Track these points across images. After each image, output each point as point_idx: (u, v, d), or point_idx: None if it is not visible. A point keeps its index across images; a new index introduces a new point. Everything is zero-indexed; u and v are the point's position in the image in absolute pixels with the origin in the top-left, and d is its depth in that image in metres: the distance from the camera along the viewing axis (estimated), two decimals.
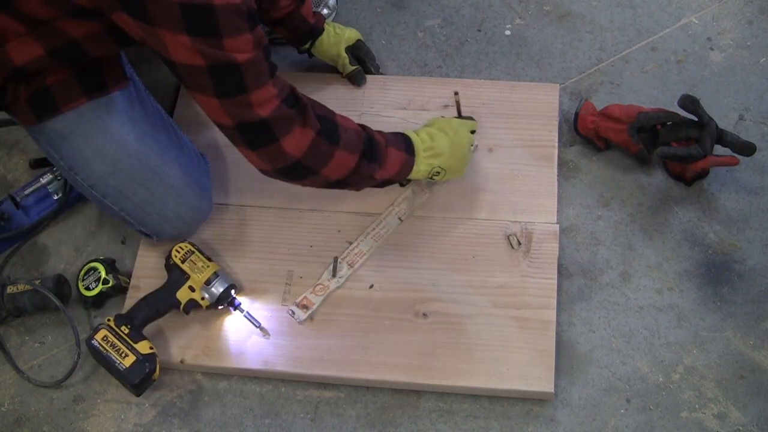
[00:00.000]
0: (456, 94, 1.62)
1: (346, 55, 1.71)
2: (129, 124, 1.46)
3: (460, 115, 1.62)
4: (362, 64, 1.75)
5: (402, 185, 1.56)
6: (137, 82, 1.55)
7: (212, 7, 1.12)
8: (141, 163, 1.47)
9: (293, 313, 1.49)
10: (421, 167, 1.46)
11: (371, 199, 1.60)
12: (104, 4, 1.18)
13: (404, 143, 1.44)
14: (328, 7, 1.86)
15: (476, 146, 1.62)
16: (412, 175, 1.47)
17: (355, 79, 1.74)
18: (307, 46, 1.71)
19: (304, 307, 1.50)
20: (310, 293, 1.51)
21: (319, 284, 1.52)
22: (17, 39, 1.30)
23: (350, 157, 1.35)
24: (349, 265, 1.53)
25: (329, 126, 1.33)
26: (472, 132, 1.59)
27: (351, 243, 1.56)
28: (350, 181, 1.40)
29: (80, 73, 1.42)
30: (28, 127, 1.46)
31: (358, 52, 1.74)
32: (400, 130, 1.47)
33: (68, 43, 1.31)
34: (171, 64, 1.20)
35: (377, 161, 1.39)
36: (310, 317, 1.50)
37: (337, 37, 1.71)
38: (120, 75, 1.48)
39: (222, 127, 1.29)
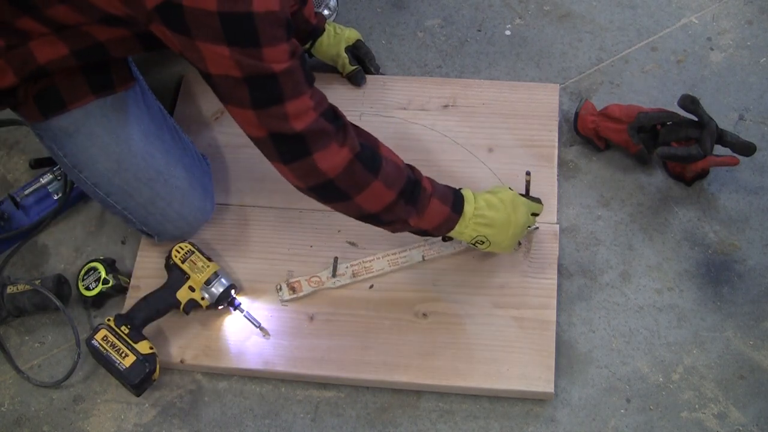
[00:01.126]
0: (528, 174, 1.49)
1: (345, 55, 1.71)
2: (135, 124, 1.46)
3: (527, 194, 1.49)
4: (362, 64, 1.75)
5: (444, 240, 1.46)
6: (142, 82, 1.55)
7: (252, 15, 1.09)
8: (146, 162, 1.47)
9: (280, 288, 1.49)
10: (466, 230, 1.38)
11: None
12: (140, 15, 1.15)
13: (453, 199, 1.36)
14: (329, 8, 1.86)
15: (537, 227, 1.53)
16: (454, 235, 1.39)
17: (355, 79, 1.74)
18: (307, 46, 1.71)
19: (293, 289, 1.50)
20: (305, 280, 1.51)
21: (316, 276, 1.52)
22: (41, 38, 1.29)
23: (387, 191, 1.28)
24: (353, 273, 1.53)
25: (369, 153, 1.27)
26: (535, 214, 1.47)
27: (367, 255, 1.54)
28: (384, 219, 1.32)
29: (88, 71, 1.41)
30: (33, 124, 1.46)
31: (357, 52, 1.74)
32: (448, 183, 1.40)
33: (94, 45, 1.30)
34: (207, 76, 1.17)
35: (416, 207, 1.31)
36: (311, 318, 1.50)
37: (337, 38, 1.71)
38: (127, 74, 1.48)
39: (256, 141, 1.24)
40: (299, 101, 1.18)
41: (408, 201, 1.30)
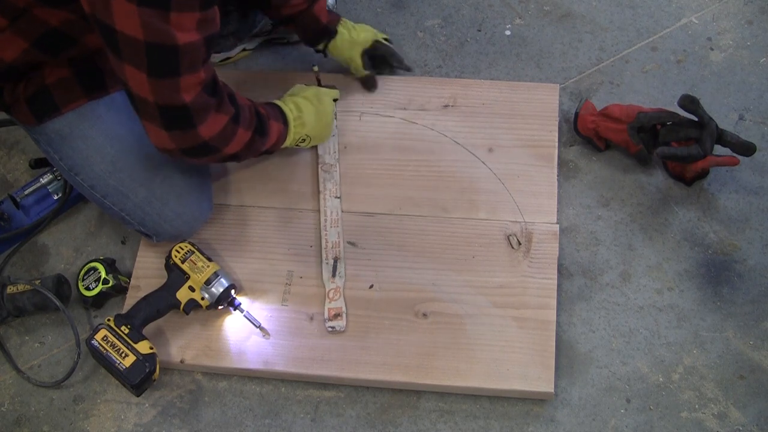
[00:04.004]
0: (314, 66, 1.66)
1: (359, 59, 1.68)
2: (130, 124, 1.45)
3: (320, 85, 1.64)
4: (384, 65, 1.72)
5: (269, 153, 1.56)
6: None
7: None
8: (142, 163, 1.47)
9: (333, 328, 1.48)
10: (291, 136, 1.51)
11: (371, 199, 1.61)
12: None
13: (281, 114, 1.48)
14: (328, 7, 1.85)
15: (335, 119, 1.67)
16: (284, 145, 1.52)
17: (366, 85, 1.73)
18: (321, 46, 1.68)
19: (337, 315, 1.49)
20: (330, 303, 1.50)
21: (331, 289, 1.51)
22: (1, 35, 1.30)
23: (246, 133, 1.38)
24: (337, 258, 1.53)
25: (237, 107, 1.35)
26: (335, 100, 1.63)
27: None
28: (242, 155, 1.42)
29: (80, 73, 1.42)
30: (28, 128, 1.47)
31: (375, 53, 1.70)
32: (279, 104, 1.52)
33: (48, 31, 1.31)
34: (111, 31, 1.16)
35: (266, 135, 1.43)
36: (311, 318, 1.50)
37: (351, 41, 1.67)
38: None
39: (141, 101, 1.25)
40: (193, 77, 1.22)
41: (260, 134, 1.42)
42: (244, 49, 1.85)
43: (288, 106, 1.51)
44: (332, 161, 1.64)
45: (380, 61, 1.71)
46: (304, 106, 1.53)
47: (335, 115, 1.67)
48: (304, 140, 1.55)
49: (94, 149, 1.45)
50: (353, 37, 1.67)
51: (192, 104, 1.24)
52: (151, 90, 1.22)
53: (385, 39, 1.72)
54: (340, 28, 1.66)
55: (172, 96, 1.23)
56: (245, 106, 1.38)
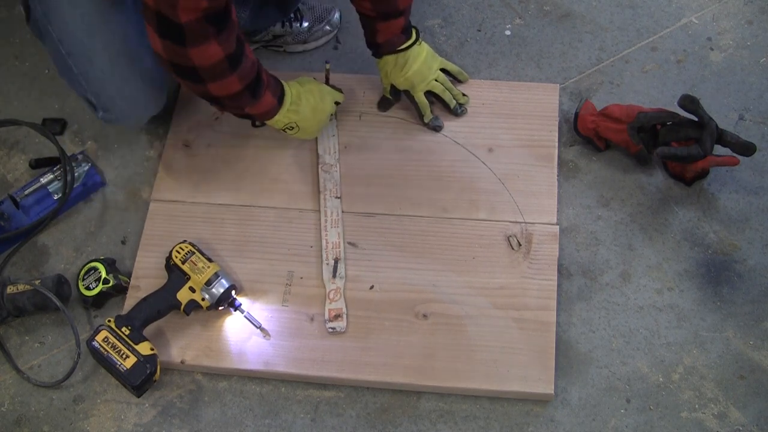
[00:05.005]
0: (327, 62, 1.65)
1: (388, 87, 1.65)
2: (120, 5, 1.45)
3: (328, 83, 1.64)
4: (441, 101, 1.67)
5: (254, 126, 1.59)
6: None
7: None
8: (117, 37, 1.48)
9: (334, 329, 1.48)
10: (280, 117, 1.50)
11: (371, 199, 1.61)
12: None
13: (280, 92, 1.49)
14: (331, 25, 1.84)
15: (334, 119, 1.68)
16: (270, 122, 1.51)
17: (381, 104, 1.71)
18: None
19: (338, 317, 1.49)
20: (330, 304, 1.50)
21: (331, 290, 1.51)
22: None
23: (238, 83, 1.37)
24: (337, 259, 1.53)
25: (239, 51, 1.34)
26: (337, 103, 1.63)
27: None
28: (225, 103, 1.43)
29: None
30: None
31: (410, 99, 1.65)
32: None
33: None
34: None
35: (257, 98, 1.43)
36: (311, 319, 1.50)
37: (386, 75, 1.63)
38: None
39: (143, 1, 1.24)
40: (193, 0, 1.20)
41: (251, 93, 1.41)
42: None
43: (291, 89, 1.51)
44: (332, 161, 1.64)
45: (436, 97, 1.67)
46: (305, 97, 1.53)
47: (335, 116, 1.67)
48: (292, 128, 1.55)
49: (76, 6, 1.43)
50: (391, 78, 1.62)
51: (187, 25, 1.23)
52: None
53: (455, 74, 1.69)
54: (389, 59, 1.59)
55: (169, 10, 1.22)
56: (249, 59, 1.37)
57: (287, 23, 1.82)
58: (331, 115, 1.63)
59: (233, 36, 1.31)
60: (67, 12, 1.45)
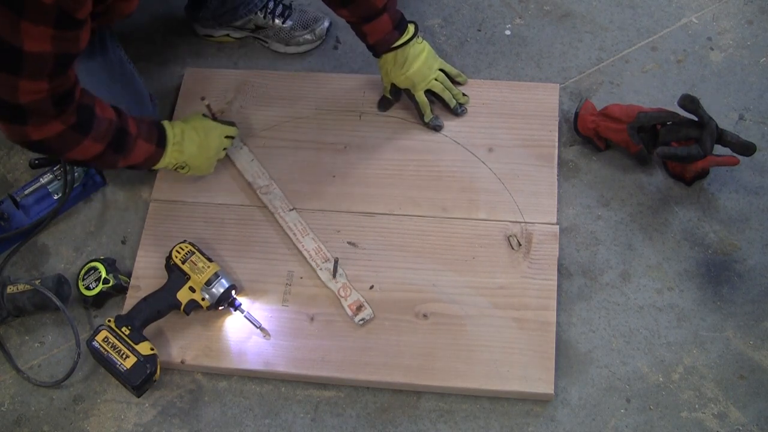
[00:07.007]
0: (203, 99, 1.65)
1: (388, 86, 1.65)
2: (86, 75, 1.45)
3: (214, 118, 1.62)
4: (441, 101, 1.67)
5: (149, 171, 1.61)
6: (106, 34, 1.56)
7: None
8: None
9: (363, 320, 1.48)
10: (167, 159, 1.51)
11: (371, 199, 1.61)
12: None
13: (157, 135, 1.48)
14: (314, 34, 1.82)
15: (243, 147, 1.68)
16: (158, 166, 1.52)
17: (381, 104, 1.70)
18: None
19: (360, 308, 1.49)
20: (347, 300, 1.50)
21: (339, 287, 1.51)
22: None
23: (96, 145, 1.37)
24: (337, 259, 1.53)
25: (86, 117, 1.34)
26: (229, 137, 1.62)
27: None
28: (93, 164, 1.47)
29: None
30: None
31: (433, 89, 1.65)
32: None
33: None
34: None
35: (123, 152, 1.43)
36: (312, 319, 1.50)
37: (386, 74, 1.63)
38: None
39: None
40: (34, 84, 1.21)
41: (116, 149, 1.41)
42: (228, 35, 1.86)
43: (174, 129, 1.51)
44: (266, 181, 1.63)
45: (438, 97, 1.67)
46: (188, 135, 1.53)
47: (244, 143, 1.67)
48: (183, 167, 1.55)
49: None
50: (392, 76, 1.62)
51: (27, 106, 1.24)
52: None
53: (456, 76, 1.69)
54: (388, 57, 1.59)
55: (8, 92, 1.22)
56: (104, 120, 1.37)
57: (269, 15, 1.80)
58: (224, 149, 1.62)
59: (72, 109, 1.30)
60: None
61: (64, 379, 1.50)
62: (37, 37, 1.15)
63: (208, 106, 1.64)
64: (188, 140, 1.53)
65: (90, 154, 1.38)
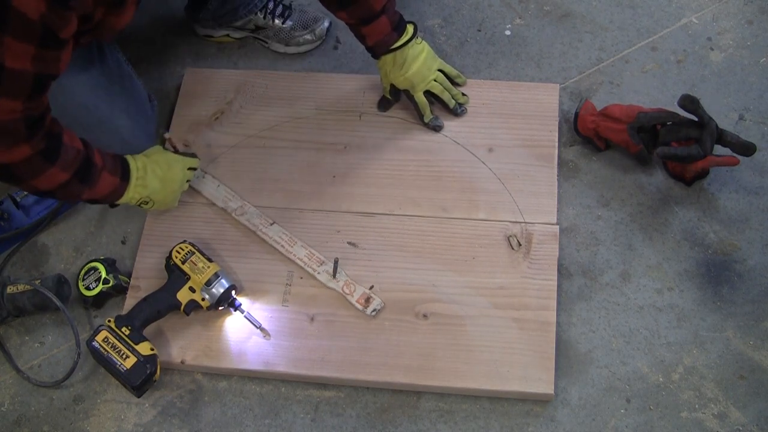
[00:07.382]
0: (166, 133, 1.63)
1: (387, 86, 1.65)
2: (83, 76, 1.45)
3: (176, 152, 1.60)
4: (440, 102, 1.66)
5: (111, 206, 1.55)
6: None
7: (7, 4, 1.07)
8: (89, 112, 1.48)
9: (375, 310, 1.48)
10: (130, 194, 1.47)
11: (371, 198, 1.61)
12: None
13: (121, 169, 1.45)
14: (314, 34, 1.83)
15: (205, 175, 1.66)
16: (122, 201, 1.48)
17: (381, 104, 1.70)
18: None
19: (368, 299, 1.49)
20: (353, 296, 1.50)
21: (343, 284, 1.51)
22: None
23: (62, 174, 1.34)
24: (318, 264, 1.53)
25: (54, 144, 1.31)
26: (193, 169, 1.60)
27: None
28: (58, 195, 1.40)
29: None
30: None
31: (433, 90, 1.64)
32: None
33: None
34: None
35: (88, 183, 1.39)
36: (312, 319, 1.50)
37: (392, 75, 1.62)
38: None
39: None
40: (9, 102, 1.18)
41: (81, 180, 1.38)
42: (228, 36, 1.86)
43: (137, 162, 1.48)
44: (238, 203, 1.62)
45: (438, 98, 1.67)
46: (151, 170, 1.50)
47: (189, 183, 1.62)
48: (146, 202, 1.52)
49: None
50: (391, 77, 1.62)
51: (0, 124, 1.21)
52: None
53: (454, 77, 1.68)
54: (387, 58, 1.59)
55: None
56: (72, 149, 1.34)
57: (269, 15, 1.81)
58: (188, 181, 1.60)
59: (42, 134, 1.27)
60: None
61: (64, 379, 1.50)
62: (20, 54, 1.13)
63: (169, 140, 1.62)
64: (151, 174, 1.49)
65: (55, 183, 1.34)
